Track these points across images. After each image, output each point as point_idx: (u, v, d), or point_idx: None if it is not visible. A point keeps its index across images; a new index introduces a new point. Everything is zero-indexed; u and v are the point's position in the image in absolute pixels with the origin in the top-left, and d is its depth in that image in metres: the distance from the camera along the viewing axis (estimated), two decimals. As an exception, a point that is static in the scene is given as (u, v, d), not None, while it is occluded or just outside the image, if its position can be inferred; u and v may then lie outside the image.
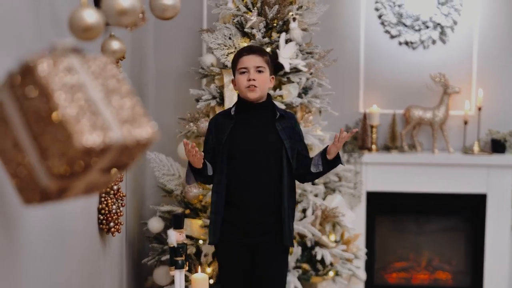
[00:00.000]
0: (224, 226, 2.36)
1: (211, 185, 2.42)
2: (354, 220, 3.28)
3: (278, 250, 2.40)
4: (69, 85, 0.88)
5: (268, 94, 2.41)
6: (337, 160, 2.30)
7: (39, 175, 0.90)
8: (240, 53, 2.37)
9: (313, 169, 2.35)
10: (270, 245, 2.38)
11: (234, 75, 2.38)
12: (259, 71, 2.32)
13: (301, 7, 3.08)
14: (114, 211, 2.24)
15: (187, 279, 2.78)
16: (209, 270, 2.97)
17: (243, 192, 2.34)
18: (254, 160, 2.33)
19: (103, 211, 2.21)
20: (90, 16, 1.24)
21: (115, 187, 2.27)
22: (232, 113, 2.38)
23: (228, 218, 2.36)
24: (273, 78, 2.41)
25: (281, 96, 3.00)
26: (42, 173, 0.90)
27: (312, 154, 2.73)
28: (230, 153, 2.33)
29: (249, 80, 2.30)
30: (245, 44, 2.98)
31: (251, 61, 2.32)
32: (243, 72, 2.33)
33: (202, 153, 2.22)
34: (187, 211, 3.07)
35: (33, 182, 0.91)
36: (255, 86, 2.30)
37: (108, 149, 0.88)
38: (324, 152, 2.30)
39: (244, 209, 2.35)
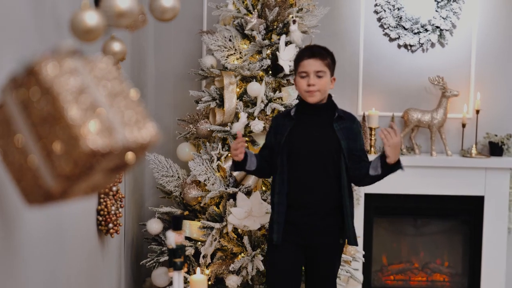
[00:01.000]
0: (285, 227, 2.37)
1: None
2: (353, 222, 3.28)
3: (336, 250, 2.42)
4: (74, 87, 0.88)
5: (329, 95, 2.41)
6: (397, 164, 2.25)
7: (43, 176, 0.90)
8: (302, 56, 2.37)
9: (371, 172, 2.31)
10: (328, 245, 2.40)
11: (295, 75, 2.39)
12: (319, 76, 2.32)
13: (301, 9, 3.08)
14: (113, 212, 2.24)
15: (185, 281, 2.79)
16: (207, 271, 2.97)
17: (301, 192, 2.36)
18: (312, 161, 2.34)
19: (102, 212, 2.21)
20: (91, 18, 1.25)
21: (114, 188, 2.27)
22: (292, 114, 2.40)
23: (288, 218, 2.37)
24: (334, 79, 2.41)
25: (280, 98, 3.01)
26: (46, 175, 0.90)
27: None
28: (289, 153, 2.35)
29: (309, 85, 2.31)
30: (245, 47, 2.98)
31: (312, 65, 2.32)
32: (303, 77, 2.33)
33: (244, 144, 2.28)
34: (186, 213, 3.07)
35: (37, 183, 0.92)
36: (314, 91, 2.31)
37: (113, 151, 0.88)
38: (383, 155, 2.26)
39: (303, 209, 2.36)
